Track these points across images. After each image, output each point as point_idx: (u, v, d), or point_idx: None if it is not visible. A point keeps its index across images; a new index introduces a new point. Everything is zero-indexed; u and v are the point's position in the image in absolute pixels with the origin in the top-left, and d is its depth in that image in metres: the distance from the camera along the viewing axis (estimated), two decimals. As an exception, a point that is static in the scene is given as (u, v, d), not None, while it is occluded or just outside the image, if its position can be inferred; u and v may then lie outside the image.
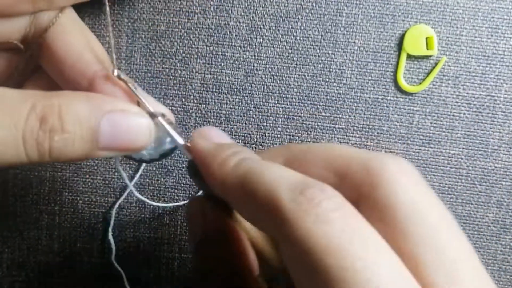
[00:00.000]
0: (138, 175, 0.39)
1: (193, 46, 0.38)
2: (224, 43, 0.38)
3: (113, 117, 0.24)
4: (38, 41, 0.27)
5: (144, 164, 0.39)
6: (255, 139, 0.39)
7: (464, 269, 0.19)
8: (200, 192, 0.39)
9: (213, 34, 0.38)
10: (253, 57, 0.38)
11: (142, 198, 0.39)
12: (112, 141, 0.24)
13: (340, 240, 0.17)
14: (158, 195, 0.39)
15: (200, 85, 0.38)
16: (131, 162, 0.39)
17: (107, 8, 0.27)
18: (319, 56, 0.38)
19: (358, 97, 0.39)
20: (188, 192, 0.39)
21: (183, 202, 0.39)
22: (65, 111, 0.23)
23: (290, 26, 0.38)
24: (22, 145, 0.22)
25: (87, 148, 0.24)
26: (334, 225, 0.18)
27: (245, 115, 0.39)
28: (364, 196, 0.20)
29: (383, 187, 0.20)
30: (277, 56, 0.38)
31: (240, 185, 0.21)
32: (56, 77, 0.28)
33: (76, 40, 0.27)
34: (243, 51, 0.38)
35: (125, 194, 0.39)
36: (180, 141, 0.26)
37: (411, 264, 0.19)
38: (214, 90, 0.39)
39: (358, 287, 0.17)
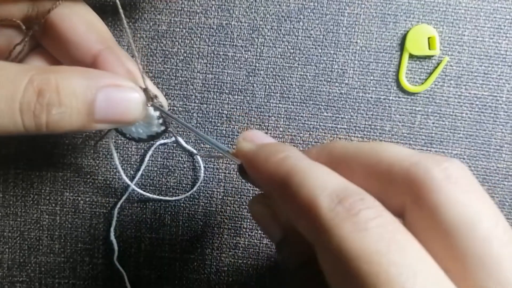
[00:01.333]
0: (139, 174, 0.39)
1: (195, 45, 0.38)
2: (226, 42, 0.38)
3: (108, 91, 0.25)
4: (41, 22, 0.28)
5: (145, 164, 0.39)
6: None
7: None
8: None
9: (214, 33, 0.38)
10: (254, 57, 0.38)
11: (143, 192, 0.38)
12: (107, 114, 0.25)
13: (376, 247, 0.17)
14: (160, 194, 0.39)
15: (201, 85, 0.38)
16: (132, 162, 0.39)
17: (122, 15, 0.28)
18: (321, 56, 0.38)
19: (360, 97, 0.39)
20: (189, 191, 0.39)
21: (183, 196, 0.39)
22: (62, 86, 0.24)
23: (292, 26, 0.38)
24: (19, 116, 0.23)
25: (83, 120, 0.25)
26: (371, 232, 0.17)
27: (246, 115, 0.39)
28: (409, 206, 0.20)
29: (427, 199, 0.19)
30: (279, 56, 0.38)
31: (282, 184, 0.21)
32: (59, 56, 0.30)
33: (80, 20, 0.28)
34: (245, 51, 0.38)
35: (126, 194, 0.39)
36: (222, 147, 0.28)
37: (459, 280, 0.18)
38: (216, 90, 0.38)
39: None
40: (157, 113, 0.29)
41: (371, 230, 0.18)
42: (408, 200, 0.19)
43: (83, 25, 0.28)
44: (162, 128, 0.30)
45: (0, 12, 0.28)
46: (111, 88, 0.25)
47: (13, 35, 0.30)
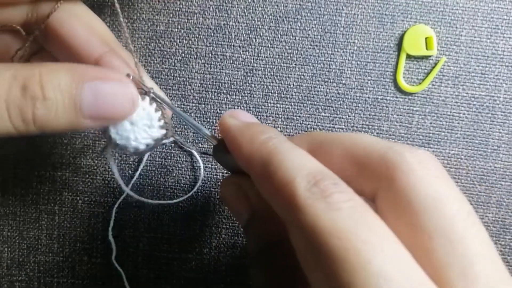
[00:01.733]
0: (137, 175, 0.39)
1: (193, 46, 0.38)
2: (224, 43, 0.38)
3: (95, 84, 0.24)
4: (41, 27, 0.28)
5: (143, 164, 0.39)
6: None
7: (480, 263, 0.19)
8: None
9: (212, 34, 0.38)
10: (252, 57, 0.38)
11: (140, 198, 0.39)
12: (96, 109, 0.24)
13: (345, 225, 0.18)
14: (158, 195, 0.39)
15: (199, 85, 0.39)
16: (130, 162, 0.39)
17: (119, 11, 0.28)
18: (318, 56, 0.38)
19: (358, 97, 0.39)
20: (187, 192, 0.39)
21: (181, 199, 0.39)
22: (45, 79, 0.23)
23: (290, 26, 0.38)
24: (6, 114, 0.23)
25: (71, 116, 0.24)
26: (341, 212, 0.19)
27: (244, 115, 0.39)
28: (381, 189, 0.21)
29: (400, 179, 0.20)
30: (277, 56, 0.38)
31: (263, 163, 0.22)
32: (62, 59, 0.29)
33: (79, 23, 0.28)
34: (243, 51, 0.38)
35: (125, 194, 0.39)
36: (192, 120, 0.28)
37: (425, 257, 0.19)
38: (214, 90, 0.39)
39: (359, 267, 0.17)
40: (158, 114, 0.28)
41: (343, 210, 0.19)
42: (381, 184, 0.21)
43: (83, 29, 0.28)
44: (163, 132, 0.29)
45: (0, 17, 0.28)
46: (98, 81, 0.24)
47: (14, 40, 0.29)
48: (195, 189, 0.39)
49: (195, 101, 0.39)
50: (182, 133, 0.39)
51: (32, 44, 0.29)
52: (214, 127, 0.39)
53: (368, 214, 0.19)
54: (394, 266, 0.17)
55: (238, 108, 0.38)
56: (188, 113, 0.39)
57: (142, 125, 0.28)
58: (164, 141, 0.29)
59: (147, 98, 0.28)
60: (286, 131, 0.39)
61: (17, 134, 0.24)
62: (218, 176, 0.39)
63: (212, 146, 0.29)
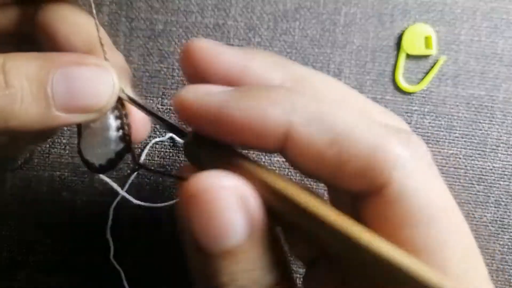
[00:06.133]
0: (134, 174, 0.39)
1: (191, 45, 0.38)
2: (222, 42, 0.38)
3: (68, 70, 0.21)
4: (31, 29, 0.26)
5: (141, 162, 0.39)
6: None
7: (453, 252, 0.19)
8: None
9: (211, 33, 0.38)
10: (251, 56, 0.38)
11: (136, 201, 0.39)
12: (70, 99, 0.21)
13: None
14: (156, 194, 0.39)
15: (198, 84, 0.38)
16: (128, 161, 0.39)
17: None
18: (317, 55, 0.38)
19: (357, 97, 0.39)
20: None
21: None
22: (9, 65, 0.21)
23: (289, 25, 0.38)
24: None
25: (41, 108, 0.21)
26: None
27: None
28: (371, 192, 0.19)
29: (394, 185, 0.19)
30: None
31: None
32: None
33: (65, 24, 0.25)
34: (241, 50, 0.38)
35: (119, 196, 0.39)
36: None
37: (406, 248, 0.18)
38: (212, 89, 0.38)
39: None
40: (117, 123, 0.23)
41: None
42: (370, 186, 0.19)
43: (67, 29, 0.25)
44: (121, 145, 0.23)
45: None
46: (72, 67, 0.21)
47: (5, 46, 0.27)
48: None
49: (193, 101, 0.39)
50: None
51: (28, 48, 0.29)
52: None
53: None
54: None
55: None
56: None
57: (100, 136, 0.23)
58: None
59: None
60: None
61: None
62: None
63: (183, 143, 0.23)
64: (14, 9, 0.27)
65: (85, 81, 0.21)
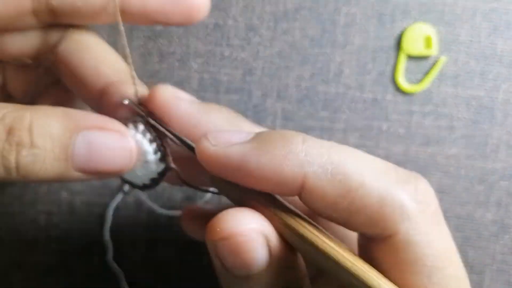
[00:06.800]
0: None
1: (191, 45, 0.38)
2: (222, 42, 0.38)
3: (89, 135, 0.22)
4: (51, 57, 0.26)
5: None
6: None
7: None
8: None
9: (211, 33, 0.38)
10: (251, 56, 0.38)
11: (161, 210, 0.38)
12: (88, 162, 0.22)
13: None
14: (155, 194, 0.39)
15: (198, 84, 0.38)
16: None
17: (123, 34, 0.25)
18: (317, 55, 0.38)
19: (357, 97, 0.39)
20: (185, 193, 0.39)
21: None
22: (36, 124, 0.21)
23: (289, 25, 0.38)
24: None
25: (60, 167, 0.22)
26: None
27: (243, 114, 0.38)
28: (380, 239, 0.21)
29: (401, 235, 0.21)
30: (276, 56, 0.38)
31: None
32: (75, 91, 0.27)
33: (89, 53, 0.26)
34: (241, 50, 0.38)
35: (122, 194, 0.39)
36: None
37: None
38: (212, 89, 0.38)
39: None
40: (154, 146, 0.24)
41: None
42: (379, 233, 0.21)
43: (91, 58, 0.26)
44: (162, 166, 0.25)
45: (9, 48, 0.26)
46: (93, 131, 0.22)
47: (28, 73, 0.28)
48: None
49: (193, 101, 0.38)
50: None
51: (46, 76, 0.28)
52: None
53: None
54: None
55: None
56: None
57: (139, 161, 0.24)
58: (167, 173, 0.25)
59: (140, 127, 0.24)
60: (285, 131, 0.39)
61: None
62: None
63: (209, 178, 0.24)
64: (36, 34, 0.26)
65: (105, 147, 0.22)
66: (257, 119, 0.39)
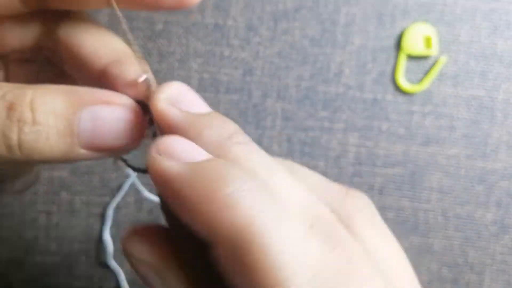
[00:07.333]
0: (135, 174, 0.39)
1: (191, 45, 0.38)
2: (222, 42, 0.38)
3: (95, 109, 0.21)
4: (50, 45, 0.26)
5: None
6: (253, 139, 0.39)
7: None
8: None
9: (210, 33, 0.38)
10: (251, 56, 0.38)
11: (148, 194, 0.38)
12: (95, 138, 0.21)
13: None
14: (154, 194, 0.39)
15: (198, 84, 0.38)
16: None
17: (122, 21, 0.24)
18: (317, 55, 0.38)
19: (357, 97, 0.39)
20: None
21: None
22: (38, 101, 0.21)
23: (289, 25, 0.38)
24: None
25: (65, 144, 0.21)
26: None
27: (243, 114, 0.39)
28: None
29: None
30: (276, 55, 0.38)
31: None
32: (75, 75, 0.27)
33: (88, 34, 0.25)
34: (241, 50, 0.38)
35: (123, 193, 0.39)
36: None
37: None
38: (212, 89, 0.38)
39: None
40: (152, 130, 0.23)
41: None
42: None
43: (90, 38, 0.25)
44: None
45: (9, 40, 0.26)
46: (99, 106, 0.21)
47: (30, 66, 0.27)
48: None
49: (193, 101, 0.38)
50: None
51: (48, 69, 0.27)
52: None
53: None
54: None
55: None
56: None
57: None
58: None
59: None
60: (285, 131, 0.39)
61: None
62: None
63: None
64: (35, 25, 0.26)
65: (110, 122, 0.21)
66: (257, 119, 0.39)
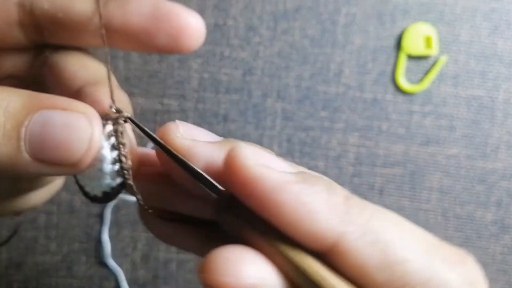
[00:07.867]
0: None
1: (191, 45, 0.38)
2: (222, 42, 0.38)
3: (49, 113, 0.19)
4: (41, 71, 0.26)
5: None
6: (253, 139, 0.39)
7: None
8: None
9: (211, 33, 0.38)
10: (251, 56, 0.38)
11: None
12: (41, 145, 0.19)
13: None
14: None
15: (197, 84, 0.38)
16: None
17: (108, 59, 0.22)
18: (317, 55, 0.38)
19: (357, 97, 0.39)
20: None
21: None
22: None
23: (289, 25, 0.38)
24: None
25: (11, 148, 0.19)
26: None
27: (243, 114, 0.39)
28: None
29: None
30: (276, 55, 0.38)
31: None
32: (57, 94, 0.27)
33: (72, 57, 0.25)
34: (241, 50, 0.38)
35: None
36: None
37: None
38: (212, 89, 0.38)
39: None
40: (113, 155, 0.20)
41: None
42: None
43: (75, 64, 0.24)
44: (118, 180, 0.20)
45: (4, 66, 0.26)
46: (54, 111, 0.19)
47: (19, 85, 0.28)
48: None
49: (193, 101, 0.38)
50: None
51: (35, 87, 0.28)
52: (211, 127, 0.39)
53: None
54: None
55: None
56: (186, 112, 0.39)
57: (93, 167, 0.20)
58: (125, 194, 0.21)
59: (108, 128, 0.20)
60: (285, 131, 0.39)
61: None
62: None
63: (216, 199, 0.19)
64: (30, 53, 0.26)
65: (61, 127, 0.19)
66: (257, 119, 0.39)
